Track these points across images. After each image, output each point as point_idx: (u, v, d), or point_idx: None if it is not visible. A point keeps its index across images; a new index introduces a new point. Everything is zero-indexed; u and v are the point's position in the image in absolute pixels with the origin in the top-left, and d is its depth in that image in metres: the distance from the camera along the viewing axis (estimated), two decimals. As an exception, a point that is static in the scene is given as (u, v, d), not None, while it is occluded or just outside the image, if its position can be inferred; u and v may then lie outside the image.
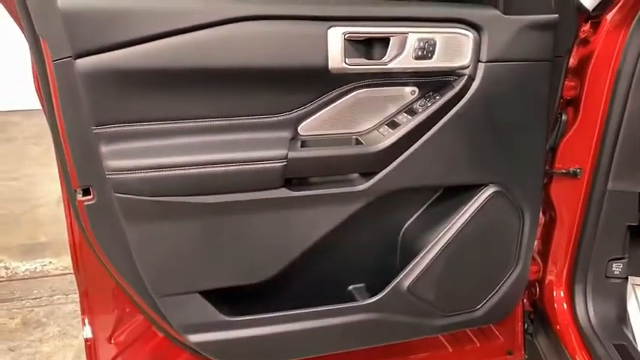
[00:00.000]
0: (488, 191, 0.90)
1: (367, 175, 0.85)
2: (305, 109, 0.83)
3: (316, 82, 0.81)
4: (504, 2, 0.79)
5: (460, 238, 0.92)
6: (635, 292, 1.16)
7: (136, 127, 0.76)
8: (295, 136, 0.84)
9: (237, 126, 0.81)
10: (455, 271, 0.97)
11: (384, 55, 0.79)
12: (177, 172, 0.76)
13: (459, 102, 0.83)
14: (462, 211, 0.92)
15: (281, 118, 0.82)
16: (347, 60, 0.77)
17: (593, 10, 0.87)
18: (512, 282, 1.00)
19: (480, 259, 0.99)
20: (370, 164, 0.84)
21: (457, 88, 0.82)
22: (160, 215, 0.79)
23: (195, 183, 0.77)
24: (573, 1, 0.84)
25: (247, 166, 0.78)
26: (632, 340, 1.07)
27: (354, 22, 0.77)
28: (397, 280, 0.93)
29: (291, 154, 0.79)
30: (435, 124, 0.83)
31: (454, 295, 1.01)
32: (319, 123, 0.85)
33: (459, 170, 0.90)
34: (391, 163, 0.84)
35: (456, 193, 0.94)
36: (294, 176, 0.83)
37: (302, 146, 0.83)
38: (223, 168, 0.78)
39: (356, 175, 0.87)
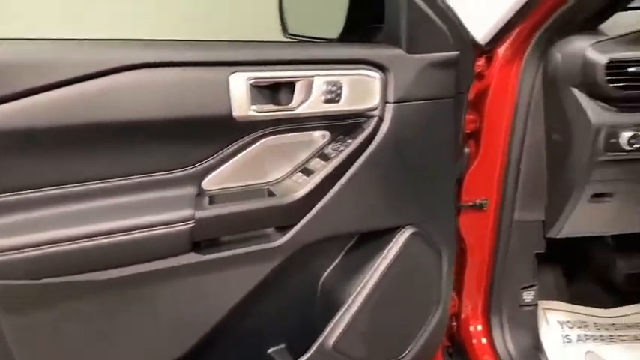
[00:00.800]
0: (406, 233, 0.89)
1: (283, 228, 0.80)
2: (210, 162, 0.76)
3: (220, 132, 0.75)
4: (407, 41, 0.80)
5: (381, 286, 0.89)
6: (545, 316, 1.22)
7: (6, 198, 0.64)
8: (201, 192, 0.76)
9: (132, 186, 0.72)
10: (380, 321, 0.93)
11: (292, 99, 0.76)
12: (62, 247, 0.64)
13: (370, 144, 0.81)
14: (381, 257, 0.89)
15: (183, 173, 0.75)
16: (252, 107, 0.72)
17: (486, 45, 0.91)
18: (435, 323, 0.99)
19: (403, 304, 0.96)
20: (285, 217, 0.79)
21: (368, 131, 0.81)
22: (43, 301, 0.66)
23: (85, 258, 0.66)
24: (469, 37, 0.88)
25: (147, 233, 0.69)
26: None
27: (258, 66, 0.73)
28: (321, 338, 0.87)
29: (199, 214, 0.71)
30: (349, 168, 0.81)
31: (381, 346, 0.97)
32: (227, 175, 0.79)
33: (376, 214, 0.88)
34: (307, 213, 0.79)
35: (373, 238, 0.91)
36: (203, 238, 0.75)
37: (210, 203, 0.75)
38: (118, 237, 0.67)
39: (271, 229, 0.81)
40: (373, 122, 0.81)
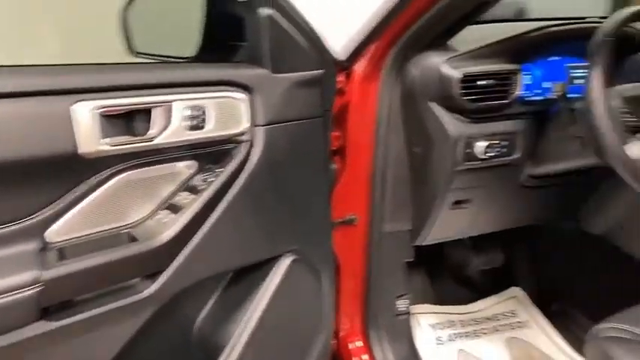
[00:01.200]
0: (286, 261, 0.87)
1: (151, 275, 0.71)
2: (55, 208, 0.64)
3: (65, 172, 0.64)
4: (271, 61, 0.78)
5: (264, 321, 0.85)
6: (418, 321, 1.30)
7: None
8: (46, 245, 0.64)
9: None
10: (266, 358, 0.90)
11: (149, 128, 0.68)
12: None
13: (242, 172, 0.77)
14: (261, 291, 0.85)
15: (23, 225, 0.61)
16: (103, 140, 0.63)
17: (345, 61, 0.94)
18: (321, 347, 0.98)
19: (288, 335, 0.94)
20: (152, 264, 0.71)
21: (238, 158, 0.77)
22: None
23: None
24: (330, 55, 0.89)
25: None
26: None
27: (106, 93, 0.64)
28: None
29: (45, 274, 0.59)
30: (221, 200, 0.75)
31: None
32: (77, 222, 0.67)
33: (253, 247, 0.84)
34: (178, 255, 0.72)
35: (251, 271, 0.87)
36: (53, 302, 0.62)
37: (58, 259, 0.63)
38: None
39: (137, 279, 0.72)
40: (243, 148, 0.77)
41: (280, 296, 0.86)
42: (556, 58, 1.01)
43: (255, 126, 0.78)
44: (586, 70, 0.96)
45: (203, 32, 0.85)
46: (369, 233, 1.07)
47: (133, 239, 0.71)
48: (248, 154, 0.77)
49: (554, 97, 0.99)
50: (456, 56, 0.93)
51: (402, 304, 1.18)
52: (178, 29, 0.99)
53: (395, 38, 0.92)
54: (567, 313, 1.38)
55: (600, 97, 0.80)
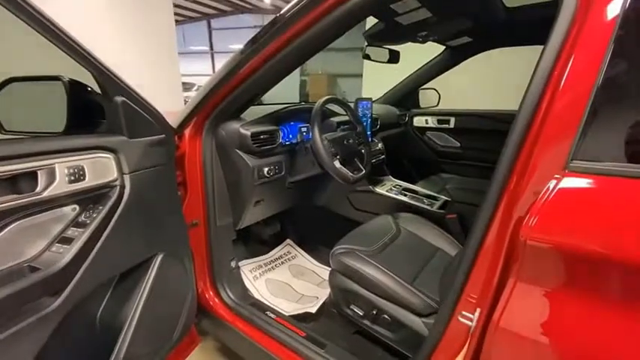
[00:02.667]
0: (159, 258, 0.91)
1: (55, 294, 0.67)
2: None
3: None
4: (127, 131, 0.79)
5: (150, 299, 0.88)
6: (243, 271, 1.48)
7: None
8: None
9: None
10: (155, 325, 0.92)
11: (36, 186, 0.64)
12: None
13: (119, 207, 0.78)
14: (145, 280, 0.88)
15: None
16: None
17: (178, 128, 1.02)
18: (189, 307, 1.05)
19: (167, 306, 0.97)
20: (55, 284, 0.67)
21: (114, 197, 0.77)
22: None
23: None
24: (169, 125, 0.95)
25: None
26: (256, 297, 1.35)
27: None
28: (114, 354, 0.80)
29: None
30: (105, 228, 0.75)
31: (159, 339, 0.96)
32: None
33: (134, 255, 0.85)
34: (76, 274, 0.69)
35: (135, 269, 0.88)
36: None
37: None
38: None
39: (44, 298, 0.67)
40: (117, 190, 0.77)
41: (158, 282, 0.90)
42: (293, 122, 1.32)
43: (123, 174, 0.79)
44: (309, 128, 1.31)
45: (67, 113, 0.78)
46: (207, 229, 1.16)
47: (34, 269, 0.66)
48: (121, 194, 0.78)
49: (298, 141, 1.31)
50: (245, 123, 1.13)
51: (233, 264, 1.35)
52: (41, 112, 0.87)
53: (208, 114, 1.06)
54: (315, 245, 1.78)
55: (319, 140, 1.11)
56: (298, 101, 1.48)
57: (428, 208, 1.45)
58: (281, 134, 1.24)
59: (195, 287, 1.10)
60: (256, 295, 1.38)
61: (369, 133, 1.69)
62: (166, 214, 0.95)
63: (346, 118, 1.40)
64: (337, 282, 1.08)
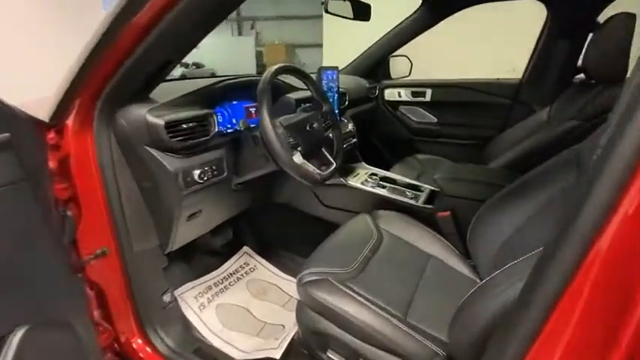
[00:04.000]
0: (17, 336, 0.59)
1: None
2: None
3: None
4: None
5: None
6: (184, 300, 1.18)
7: None
8: None
9: None
10: None
11: None
12: None
13: None
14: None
15: None
16: None
17: (51, 120, 0.68)
18: None
19: None
20: None
21: None
22: None
23: None
24: (25, 116, 0.64)
25: None
26: (202, 337, 1.07)
27: None
28: None
29: None
30: None
31: None
32: None
33: None
34: None
35: None
36: None
37: None
38: None
39: None
40: None
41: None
42: (236, 102, 1.00)
43: None
44: (256, 108, 0.99)
45: None
46: (122, 257, 0.86)
47: None
48: None
49: (241, 128, 0.98)
50: (157, 107, 0.79)
51: (167, 297, 1.03)
52: None
53: (96, 93, 0.71)
54: (279, 252, 1.50)
55: (269, 125, 0.81)
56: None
57: (413, 203, 1.21)
58: (217, 120, 0.91)
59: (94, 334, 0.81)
60: (204, 333, 1.08)
61: (336, 111, 1.38)
62: (29, 261, 0.63)
63: (308, 94, 1.07)
64: (307, 321, 0.81)
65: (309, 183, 0.87)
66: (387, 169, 1.60)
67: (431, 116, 1.92)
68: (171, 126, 0.78)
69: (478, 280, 0.88)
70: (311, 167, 0.87)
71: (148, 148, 0.79)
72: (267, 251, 1.50)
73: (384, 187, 1.31)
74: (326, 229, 1.02)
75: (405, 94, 1.93)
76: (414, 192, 1.28)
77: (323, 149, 1.01)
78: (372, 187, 1.29)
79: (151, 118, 0.76)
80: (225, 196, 1.05)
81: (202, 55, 6.92)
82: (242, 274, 1.38)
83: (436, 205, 1.20)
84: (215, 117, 0.90)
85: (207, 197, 0.97)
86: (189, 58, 6.54)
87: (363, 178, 1.36)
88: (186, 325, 1.08)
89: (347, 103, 1.51)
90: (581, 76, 1.32)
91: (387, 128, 2.02)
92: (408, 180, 1.39)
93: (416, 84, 1.89)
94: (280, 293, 1.30)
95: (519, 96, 1.66)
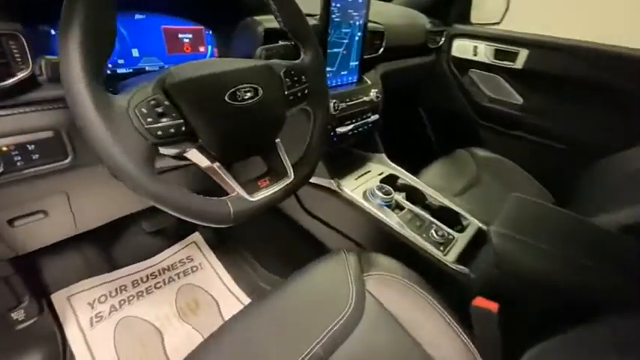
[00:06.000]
0: None
1: None
2: None
3: None
4: None
5: None
6: (71, 305, 0.86)
7: None
8: None
9: None
10: None
11: None
12: None
13: None
14: None
15: None
16: None
17: None
18: None
19: None
20: None
21: None
22: None
23: None
24: None
25: None
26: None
27: None
28: None
29: None
30: None
31: None
32: None
33: None
34: None
35: None
36: None
37: None
38: None
39: None
40: None
41: None
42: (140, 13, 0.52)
43: None
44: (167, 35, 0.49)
45: None
46: None
47: None
48: None
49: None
50: None
51: (19, 315, 0.71)
52: None
53: None
54: (240, 254, 1.11)
55: (97, 97, 0.39)
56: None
57: (436, 255, 0.71)
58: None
59: None
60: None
61: (355, 63, 0.84)
62: None
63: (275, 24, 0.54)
64: None
65: (209, 223, 0.41)
66: (423, 165, 1.07)
67: (515, 94, 1.26)
68: None
69: None
70: (233, 187, 0.43)
71: None
72: (224, 248, 1.11)
73: (400, 208, 0.81)
74: (307, 244, 0.83)
75: (484, 52, 1.26)
76: (445, 230, 0.76)
77: (278, 145, 0.52)
78: (380, 205, 0.79)
79: None
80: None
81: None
82: (178, 274, 1.02)
83: (479, 272, 0.68)
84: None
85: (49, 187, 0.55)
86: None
87: (370, 184, 0.85)
88: (53, 353, 0.75)
89: (381, 50, 0.94)
90: None
91: (440, 99, 1.41)
92: (445, 201, 0.86)
93: (506, 38, 1.21)
94: (215, 316, 0.93)
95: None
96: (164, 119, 0.37)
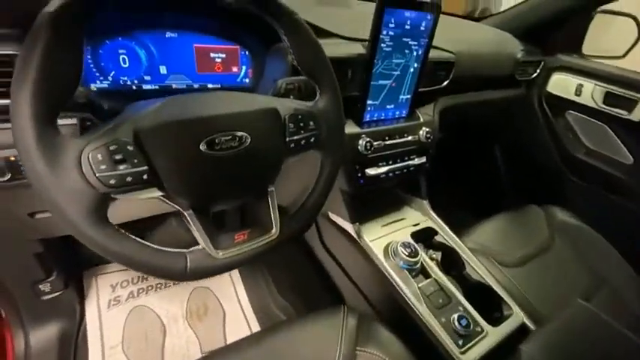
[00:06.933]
0: None
1: None
2: None
3: None
4: None
5: None
6: (96, 283, 0.94)
7: None
8: None
9: None
10: None
11: None
12: None
13: None
14: None
15: None
16: None
17: None
18: None
19: None
20: None
21: None
22: None
23: None
24: None
25: None
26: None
27: None
28: None
29: None
30: None
31: None
32: None
33: None
34: None
35: None
36: None
37: None
38: None
39: None
40: None
41: None
42: (173, 32, 0.51)
43: None
44: (224, 54, 0.47)
45: None
46: None
47: None
48: None
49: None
50: None
51: (45, 287, 0.79)
52: None
53: None
54: (260, 268, 1.08)
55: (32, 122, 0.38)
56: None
57: (450, 349, 0.58)
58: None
59: None
60: (91, 340, 0.82)
61: (408, 96, 0.74)
62: None
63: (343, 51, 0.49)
64: None
65: (160, 277, 0.39)
66: (481, 217, 0.91)
67: (625, 151, 0.99)
68: None
69: None
70: (199, 239, 0.40)
71: None
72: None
73: (426, 275, 0.69)
74: (320, 279, 0.79)
75: (591, 93, 1.02)
76: (474, 318, 0.63)
77: (270, 194, 0.46)
78: (402, 267, 0.68)
79: None
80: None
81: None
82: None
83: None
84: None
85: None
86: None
87: (398, 235, 0.75)
88: (67, 325, 0.83)
89: (447, 82, 0.81)
90: None
91: (522, 140, 1.19)
92: (487, 277, 0.71)
93: (625, 80, 0.95)
94: (218, 328, 0.94)
95: None
96: (122, 166, 0.34)
